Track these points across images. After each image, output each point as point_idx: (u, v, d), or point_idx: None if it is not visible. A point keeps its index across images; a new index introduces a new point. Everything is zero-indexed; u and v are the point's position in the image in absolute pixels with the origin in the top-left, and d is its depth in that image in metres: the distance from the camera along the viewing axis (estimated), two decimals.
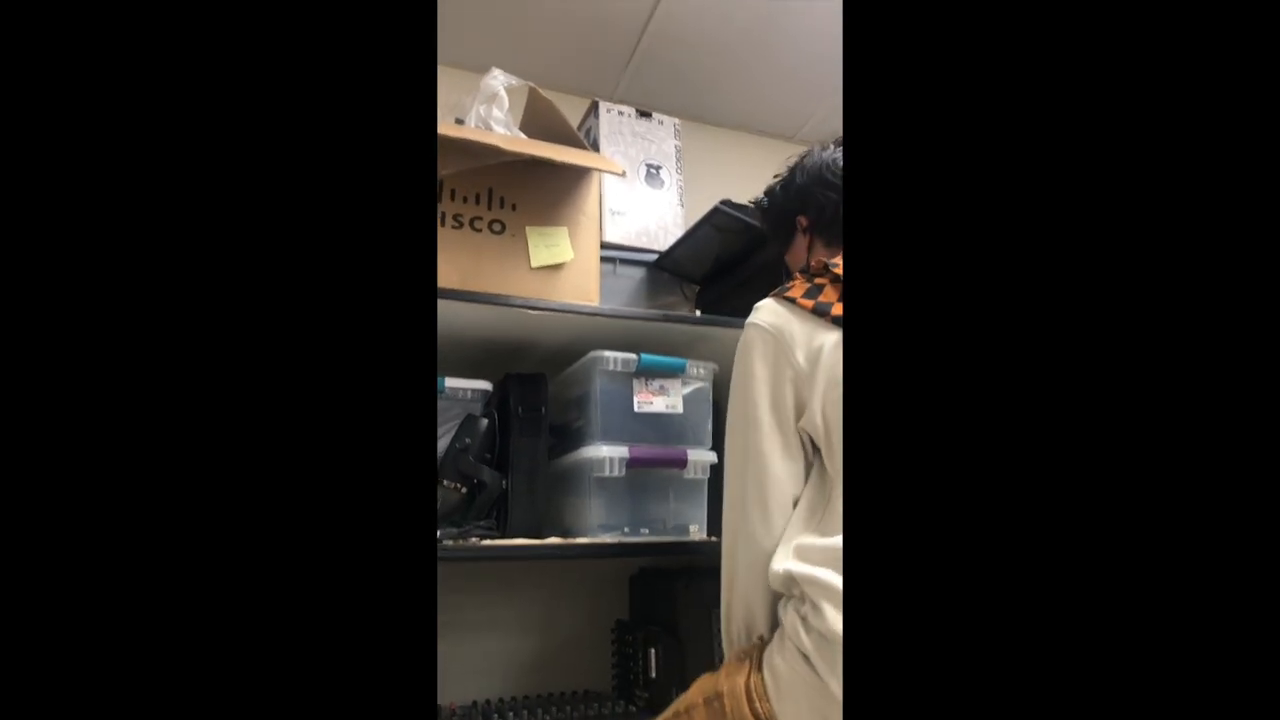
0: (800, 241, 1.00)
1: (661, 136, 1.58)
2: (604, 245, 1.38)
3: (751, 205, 1.15)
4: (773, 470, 0.80)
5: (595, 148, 1.51)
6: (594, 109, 1.57)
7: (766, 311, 0.87)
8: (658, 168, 1.56)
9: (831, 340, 0.80)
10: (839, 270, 0.85)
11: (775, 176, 1.07)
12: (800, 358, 0.81)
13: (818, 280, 0.86)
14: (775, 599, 0.79)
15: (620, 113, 1.57)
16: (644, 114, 1.58)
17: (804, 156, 1.02)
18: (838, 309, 0.81)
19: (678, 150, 1.60)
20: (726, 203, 1.31)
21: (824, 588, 0.70)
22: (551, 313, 1.18)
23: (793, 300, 0.85)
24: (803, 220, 0.99)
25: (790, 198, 1.01)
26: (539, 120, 1.29)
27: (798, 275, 0.88)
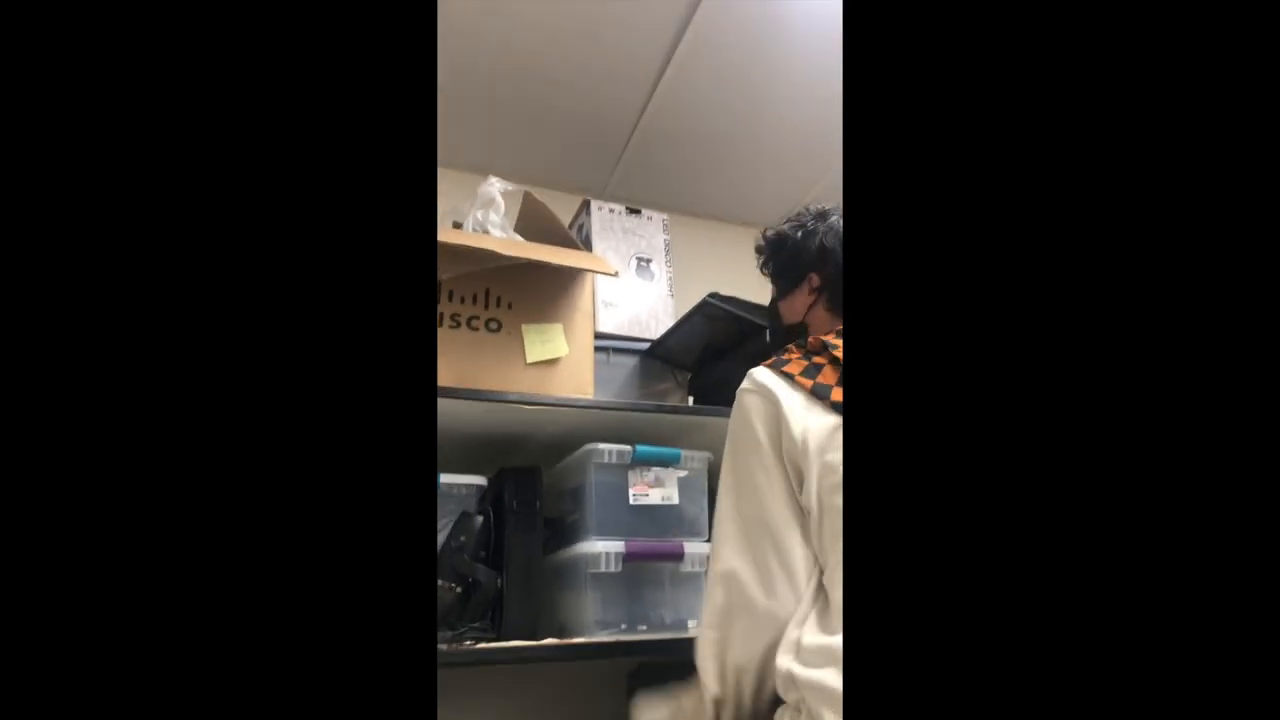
0: (802, 297, 0.98)
1: (651, 231, 1.60)
2: (597, 335, 1.36)
3: (756, 245, 1.10)
4: (784, 538, 0.75)
5: (588, 243, 1.53)
6: (585, 207, 1.59)
7: (763, 380, 0.83)
8: (648, 260, 1.57)
9: (829, 425, 0.76)
10: (838, 353, 0.82)
11: (787, 221, 1.04)
12: (796, 433, 0.77)
13: (816, 359, 0.83)
14: (770, 679, 0.76)
15: (611, 210, 1.59)
16: (634, 211, 1.60)
17: (828, 214, 0.99)
18: (837, 394, 0.77)
19: (666, 244, 1.62)
20: (715, 295, 1.33)
21: (826, 694, 0.66)
22: (546, 407, 1.17)
23: (790, 376, 0.81)
24: (814, 279, 0.96)
25: (808, 252, 0.97)
26: (533, 221, 1.31)
27: (794, 349, 0.85)
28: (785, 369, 0.82)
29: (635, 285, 1.55)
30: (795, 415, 0.78)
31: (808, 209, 1.02)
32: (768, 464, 0.77)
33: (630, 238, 1.57)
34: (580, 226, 1.60)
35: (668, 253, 1.62)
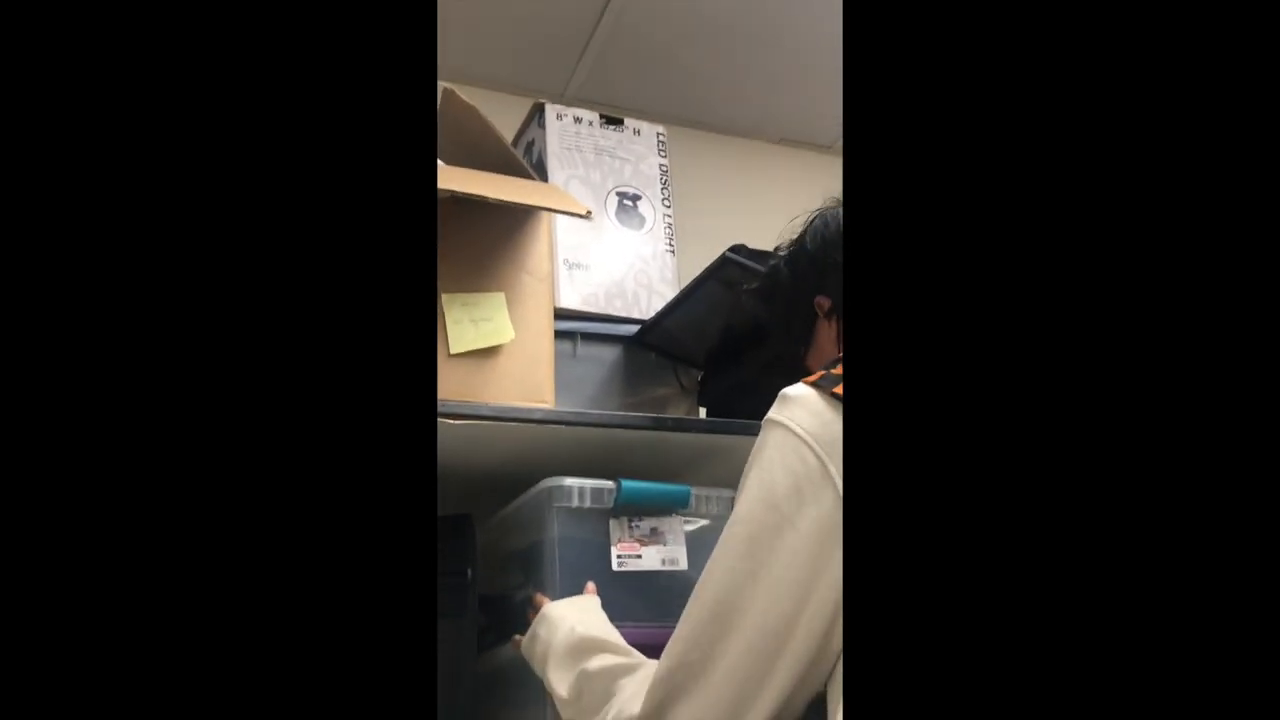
0: (825, 332, 0.88)
1: (639, 152, 1.33)
2: (558, 313, 1.16)
3: (756, 277, 1.01)
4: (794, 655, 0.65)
5: (540, 170, 1.27)
6: (537, 115, 1.31)
7: (803, 410, 0.68)
8: (635, 197, 1.32)
9: None
10: None
11: (776, 249, 0.96)
12: None
13: None
14: None
15: (577, 119, 1.31)
16: (611, 120, 1.33)
17: (814, 218, 0.91)
18: None
19: (664, 171, 1.35)
20: (739, 249, 1.09)
21: None
22: (482, 421, 0.99)
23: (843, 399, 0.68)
24: (823, 302, 0.87)
25: (801, 275, 0.89)
26: (458, 136, 1.09)
27: None
28: (837, 389, 0.69)
29: (615, 236, 1.29)
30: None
31: (776, 249, 0.97)
32: (802, 567, 0.66)
33: (608, 161, 1.31)
34: (529, 145, 1.33)
35: (665, 184, 1.34)
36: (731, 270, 1.08)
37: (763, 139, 1.73)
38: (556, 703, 0.80)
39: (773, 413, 0.69)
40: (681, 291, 1.18)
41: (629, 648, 0.80)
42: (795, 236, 0.93)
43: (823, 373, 0.70)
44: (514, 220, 1.06)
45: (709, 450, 1.12)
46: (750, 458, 0.69)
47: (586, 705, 0.76)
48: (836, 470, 0.64)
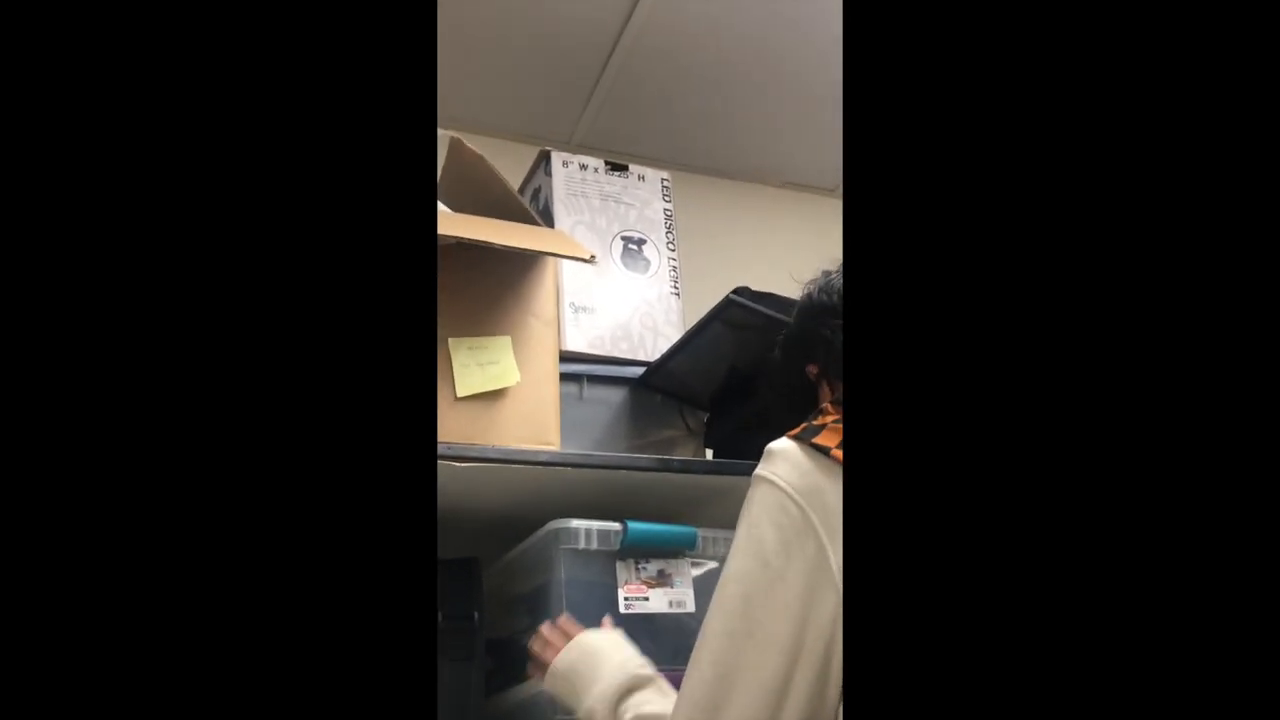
0: (824, 395, 0.89)
1: (644, 197, 1.33)
2: (564, 355, 1.14)
3: (759, 317, 1.03)
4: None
5: (547, 216, 1.27)
6: (543, 162, 1.31)
7: (785, 463, 0.70)
8: (640, 241, 1.31)
9: None
10: None
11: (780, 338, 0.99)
12: (835, 565, 0.67)
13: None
14: None
15: (583, 166, 1.31)
16: (616, 167, 1.33)
17: (801, 299, 0.94)
18: None
19: (668, 215, 1.35)
20: (743, 291, 1.09)
21: None
22: (488, 464, 0.98)
23: (825, 450, 0.69)
24: (812, 369, 0.89)
25: (794, 351, 0.91)
26: (465, 183, 1.10)
27: (828, 408, 0.76)
28: (817, 440, 0.71)
29: (621, 280, 1.29)
30: (833, 514, 0.68)
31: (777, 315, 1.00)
32: (788, 625, 0.67)
33: (614, 207, 1.31)
34: (536, 191, 1.33)
35: (670, 229, 1.34)
36: (735, 312, 1.08)
37: (766, 183, 1.73)
38: None
39: (759, 468, 0.70)
40: (686, 334, 1.17)
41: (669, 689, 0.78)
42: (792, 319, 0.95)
43: (805, 425, 0.72)
44: (520, 265, 1.05)
45: (715, 491, 1.11)
46: (741, 513, 0.70)
47: None
48: (818, 519, 0.66)
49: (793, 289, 1.14)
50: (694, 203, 1.54)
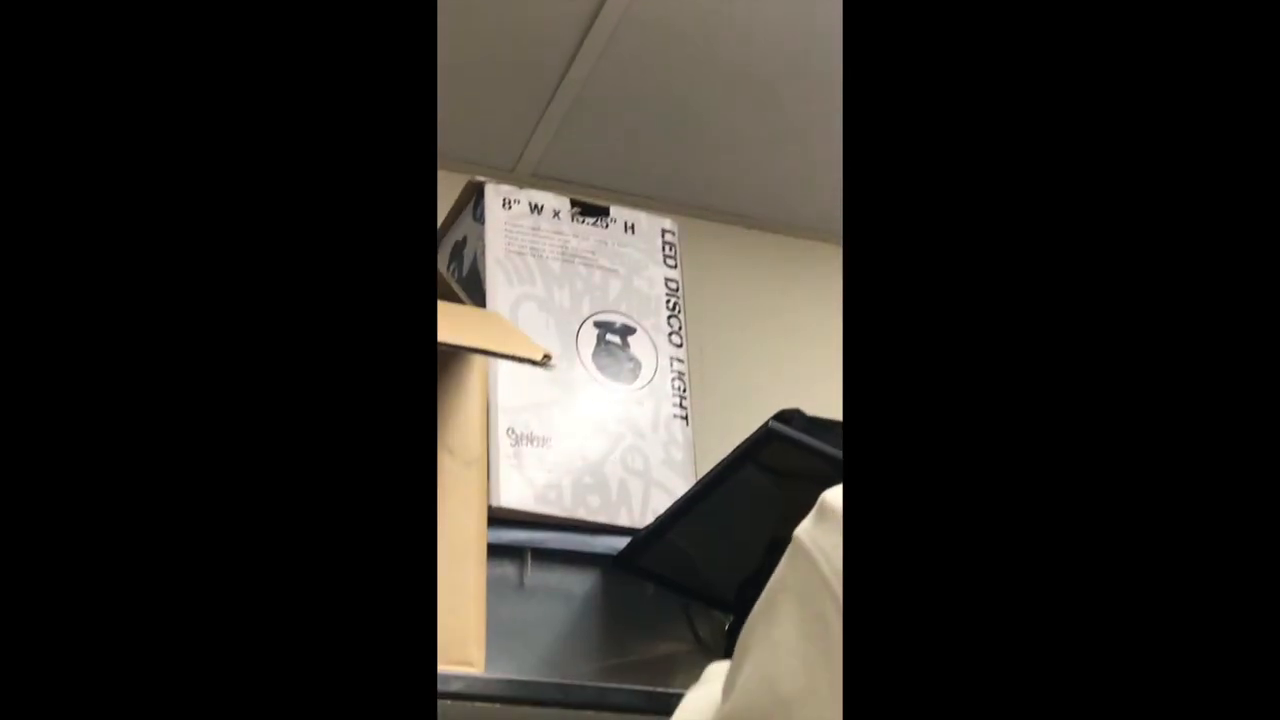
0: None
1: (633, 259, 0.98)
2: (497, 519, 0.87)
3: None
4: None
5: (475, 290, 0.96)
6: (472, 200, 0.99)
7: (839, 530, 0.58)
8: (625, 331, 0.96)
9: None
10: None
11: None
12: None
13: None
14: None
15: (534, 207, 0.97)
16: (590, 210, 0.99)
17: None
18: None
19: (672, 289, 0.99)
20: (789, 416, 0.86)
21: None
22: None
23: None
24: None
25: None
26: None
27: None
28: None
29: (592, 393, 0.96)
30: None
31: None
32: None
33: (582, 275, 0.97)
34: (457, 246, 1.00)
35: (675, 310, 0.99)
36: (778, 449, 0.82)
37: (797, 235, 1.36)
38: None
39: (803, 527, 0.58)
40: (696, 485, 0.88)
41: None
42: None
43: None
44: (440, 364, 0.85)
45: None
46: (762, 600, 0.60)
47: None
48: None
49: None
50: (708, 262, 1.15)
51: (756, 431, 0.82)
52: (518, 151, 1.17)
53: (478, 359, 0.83)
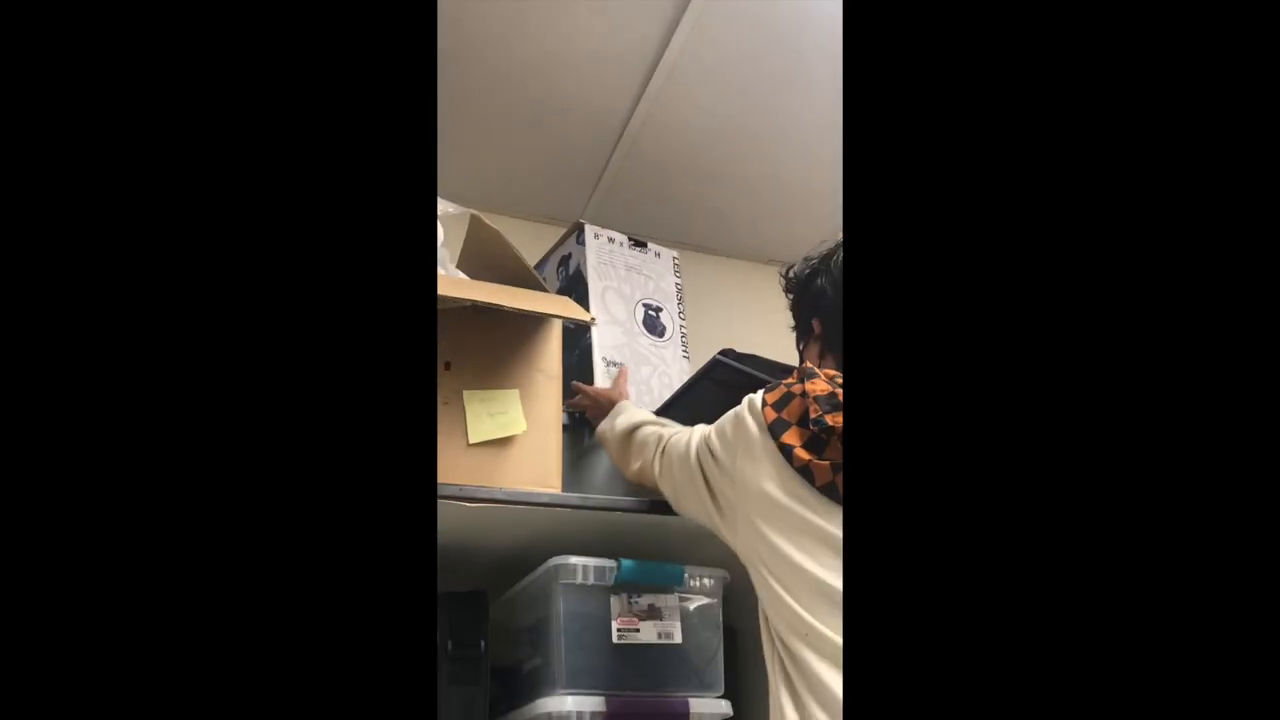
0: (813, 347, 1.00)
1: (659, 271, 1.42)
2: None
3: (781, 276, 1.11)
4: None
5: (579, 282, 1.34)
6: (577, 233, 1.38)
7: (742, 411, 0.90)
8: (658, 309, 1.39)
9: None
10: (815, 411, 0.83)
11: (805, 259, 1.05)
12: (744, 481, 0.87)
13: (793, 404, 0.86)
14: None
15: (610, 240, 1.39)
16: (638, 243, 1.42)
17: (835, 251, 1.00)
18: (799, 453, 0.82)
19: (678, 289, 1.44)
20: (728, 353, 1.16)
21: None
22: (496, 505, 1.01)
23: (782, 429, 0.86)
24: (816, 325, 0.99)
25: (809, 296, 1.00)
26: (483, 255, 1.15)
27: (805, 369, 0.90)
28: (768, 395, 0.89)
29: (644, 341, 1.36)
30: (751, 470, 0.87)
31: (823, 242, 1.05)
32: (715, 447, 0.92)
33: (635, 278, 1.39)
34: (565, 258, 1.39)
35: (680, 300, 1.44)
36: (721, 371, 1.15)
37: (757, 260, 1.81)
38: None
39: (739, 406, 0.90)
40: (678, 390, 1.23)
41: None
42: (818, 257, 1.01)
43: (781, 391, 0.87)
44: (528, 326, 1.11)
45: (702, 534, 1.07)
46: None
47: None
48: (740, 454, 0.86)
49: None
50: (698, 278, 1.62)
51: (709, 361, 1.15)
52: (580, 211, 1.61)
53: (556, 321, 1.13)
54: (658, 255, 1.43)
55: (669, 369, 1.36)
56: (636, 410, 1.10)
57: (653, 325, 1.37)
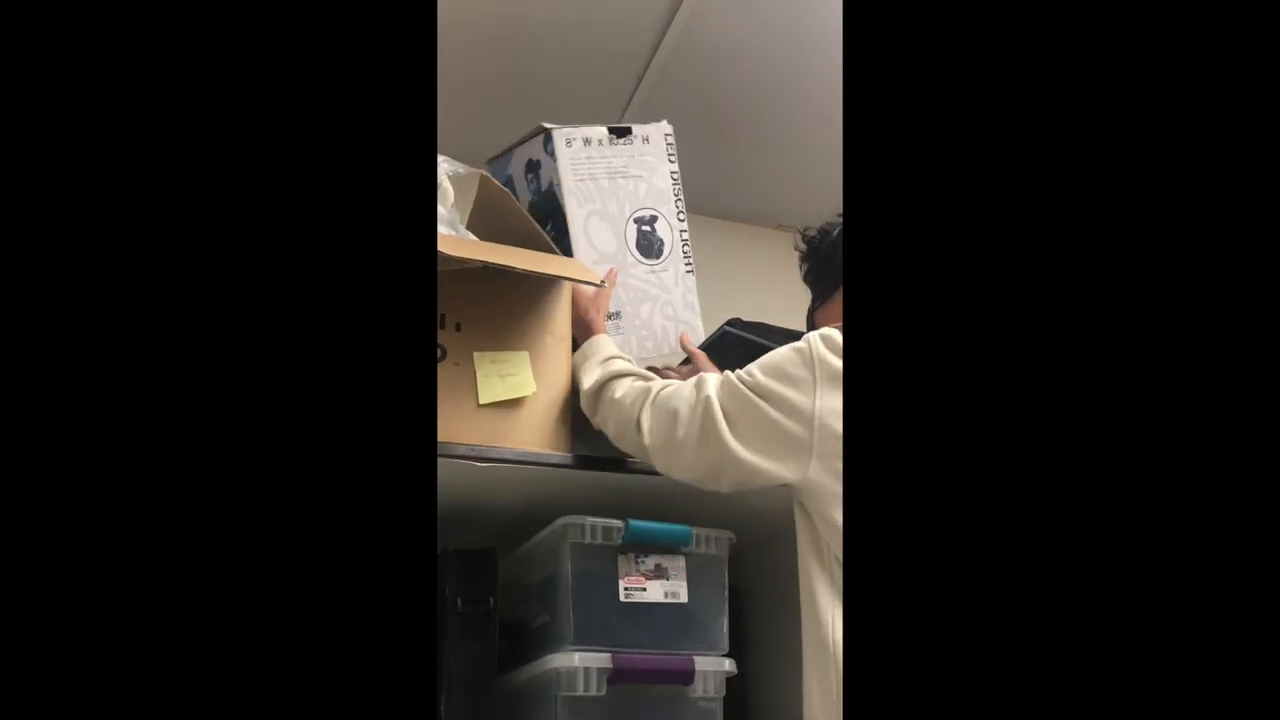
0: (837, 308, 1.03)
1: (650, 164, 1.20)
2: None
3: (795, 246, 1.14)
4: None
5: (550, 201, 1.20)
6: (544, 139, 1.17)
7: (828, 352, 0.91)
8: (652, 220, 1.20)
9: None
10: None
11: (829, 223, 1.09)
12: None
13: None
14: None
15: (586, 141, 1.18)
16: (620, 131, 1.19)
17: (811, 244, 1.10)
18: None
19: (675, 180, 1.22)
20: (736, 322, 1.20)
21: None
22: (506, 464, 1.03)
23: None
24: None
25: (837, 252, 1.04)
26: (492, 216, 1.14)
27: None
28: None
29: (640, 274, 1.21)
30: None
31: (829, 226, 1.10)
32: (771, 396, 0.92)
33: (621, 185, 1.19)
34: (533, 164, 1.21)
35: (678, 195, 1.22)
36: (729, 339, 1.18)
37: (764, 225, 1.77)
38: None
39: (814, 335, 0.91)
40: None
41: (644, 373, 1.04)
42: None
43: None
44: (538, 288, 1.11)
45: (708, 495, 1.09)
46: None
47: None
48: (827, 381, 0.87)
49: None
50: (705, 241, 1.50)
51: (716, 331, 1.18)
52: None
53: (566, 282, 1.11)
54: (646, 140, 1.20)
55: (671, 295, 1.20)
56: (609, 348, 1.07)
57: (648, 246, 1.20)
